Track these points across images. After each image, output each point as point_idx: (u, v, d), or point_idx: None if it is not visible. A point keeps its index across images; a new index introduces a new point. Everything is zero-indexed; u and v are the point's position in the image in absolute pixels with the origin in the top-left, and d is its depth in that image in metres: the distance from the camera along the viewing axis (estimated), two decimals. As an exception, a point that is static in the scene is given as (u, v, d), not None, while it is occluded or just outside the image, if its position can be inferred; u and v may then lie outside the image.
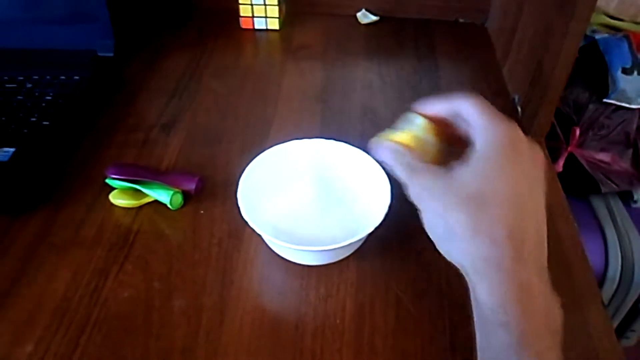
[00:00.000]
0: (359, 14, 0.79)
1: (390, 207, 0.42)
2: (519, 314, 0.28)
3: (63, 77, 0.59)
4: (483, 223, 0.29)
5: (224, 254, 0.45)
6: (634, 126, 0.76)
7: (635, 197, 0.82)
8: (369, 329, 0.40)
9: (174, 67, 0.68)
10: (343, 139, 0.49)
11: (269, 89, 0.65)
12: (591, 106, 0.76)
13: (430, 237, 0.32)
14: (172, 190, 0.48)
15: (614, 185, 0.79)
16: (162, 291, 0.42)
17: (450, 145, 0.36)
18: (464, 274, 0.31)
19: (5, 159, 0.49)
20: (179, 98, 0.63)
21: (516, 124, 0.32)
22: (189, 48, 0.71)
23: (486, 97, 0.33)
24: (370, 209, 0.44)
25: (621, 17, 0.84)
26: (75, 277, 0.43)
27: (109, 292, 0.42)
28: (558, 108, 0.74)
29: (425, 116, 0.36)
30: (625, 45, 0.76)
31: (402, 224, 0.44)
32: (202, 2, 0.79)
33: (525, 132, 0.33)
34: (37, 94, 0.57)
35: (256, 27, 0.76)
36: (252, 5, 0.74)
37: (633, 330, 0.83)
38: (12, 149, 0.50)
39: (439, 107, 0.36)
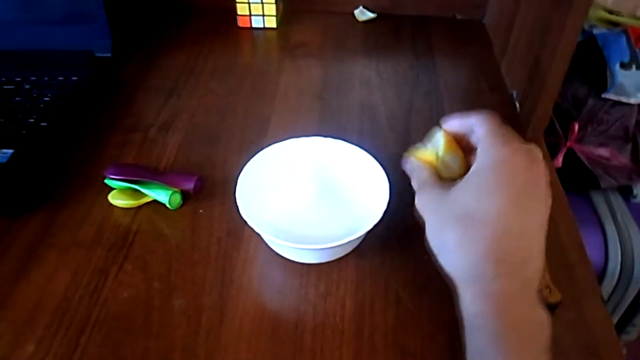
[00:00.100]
0: (356, 11, 0.79)
1: (388, 204, 0.42)
2: (495, 321, 0.31)
3: (61, 78, 0.59)
4: (468, 239, 0.32)
5: (223, 253, 0.45)
6: (633, 121, 0.76)
7: (635, 192, 0.82)
8: (369, 327, 0.40)
9: (171, 66, 0.68)
10: (341, 136, 0.49)
11: (267, 87, 0.65)
12: (590, 101, 0.76)
13: (430, 248, 0.35)
14: (170, 190, 0.48)
15: (614, 181, 0.79)
16: (161, 291, 0.42)
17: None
18: (455, 284, 0.33)
19: (4, 160, 0.49)
20: (176, 97, 0.63)
21: (523, 147, 0.33)
22: (186, 47, 0.71)
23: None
24: (369, 206, 0.44)
25: (619, 11, 0.84)
26: (75, 277, 0.43)
27: (109, 292, 0.42)
28: (557, 103, 0.74)
29: (448, 132, 0.38)
30: (624, 40, 0.76)
31: (401, 221, 0.43)
32: (199, 1, 0.79)
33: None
34: (35, 95, 0.57)
35: (253, 25, 0.76)
36: (249, 3, 0.73)
37: (633, 325, 0.83)
38: (11, 151, 0.50)
39: (457, 123, 0.38)
